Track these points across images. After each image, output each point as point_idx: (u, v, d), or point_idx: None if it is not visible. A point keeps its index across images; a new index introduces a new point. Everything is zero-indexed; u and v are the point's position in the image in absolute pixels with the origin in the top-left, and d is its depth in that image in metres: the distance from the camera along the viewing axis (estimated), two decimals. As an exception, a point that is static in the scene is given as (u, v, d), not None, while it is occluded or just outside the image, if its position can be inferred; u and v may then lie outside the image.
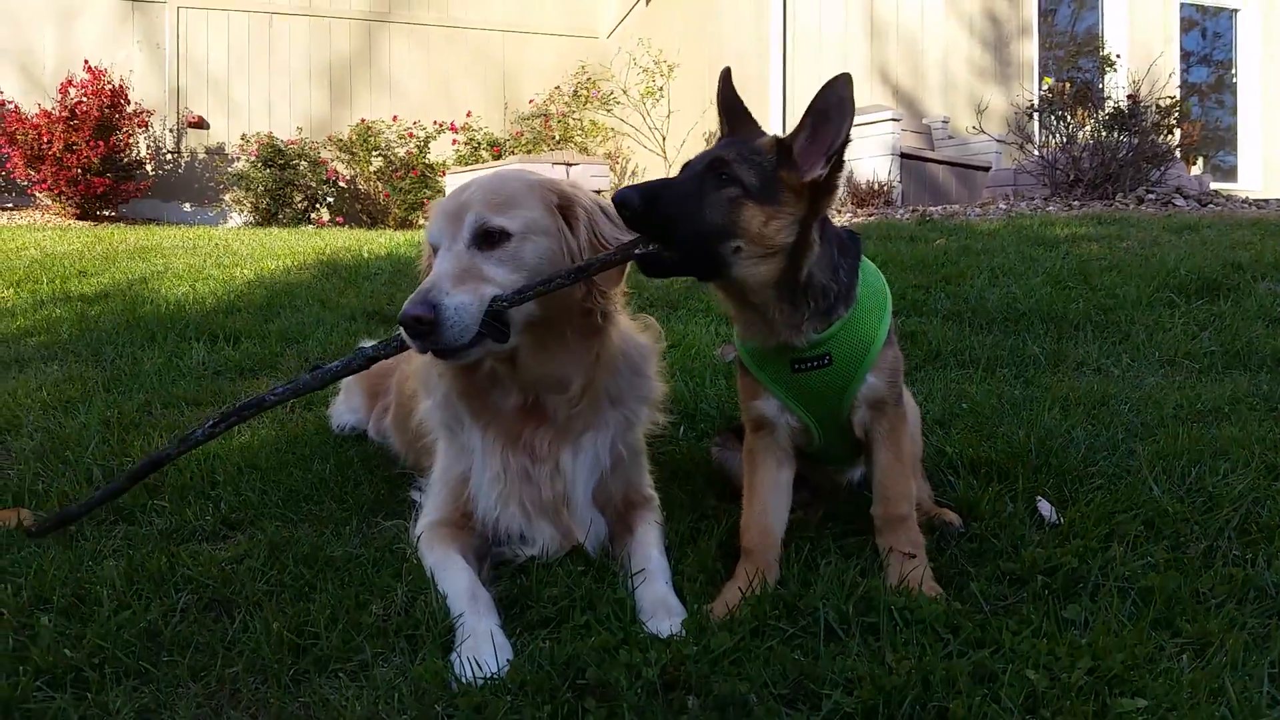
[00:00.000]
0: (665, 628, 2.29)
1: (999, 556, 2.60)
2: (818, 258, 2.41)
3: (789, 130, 2.37)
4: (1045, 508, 2.83)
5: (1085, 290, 5.92)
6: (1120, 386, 4.07)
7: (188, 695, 2.13)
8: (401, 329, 2.38)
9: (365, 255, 8.84)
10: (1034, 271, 6.55)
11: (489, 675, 2.11)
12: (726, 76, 2.52)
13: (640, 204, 2.22)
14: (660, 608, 2.39)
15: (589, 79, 16.99)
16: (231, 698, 2.12)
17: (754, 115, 2.53)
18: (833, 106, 2.24)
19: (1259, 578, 2.40)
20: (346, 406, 3.78)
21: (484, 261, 2.44)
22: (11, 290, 7.15)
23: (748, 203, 2.28)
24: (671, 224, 2.25)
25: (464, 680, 2.10)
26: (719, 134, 2.55)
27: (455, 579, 2.48)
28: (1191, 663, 2.08)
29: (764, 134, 2.46)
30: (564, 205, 2.55)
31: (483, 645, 2.19)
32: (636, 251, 2.33)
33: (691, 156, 2.45)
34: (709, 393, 4.17)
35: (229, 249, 9.63)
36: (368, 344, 2.63)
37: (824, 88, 2.23)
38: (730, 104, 2.51)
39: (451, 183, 12.94)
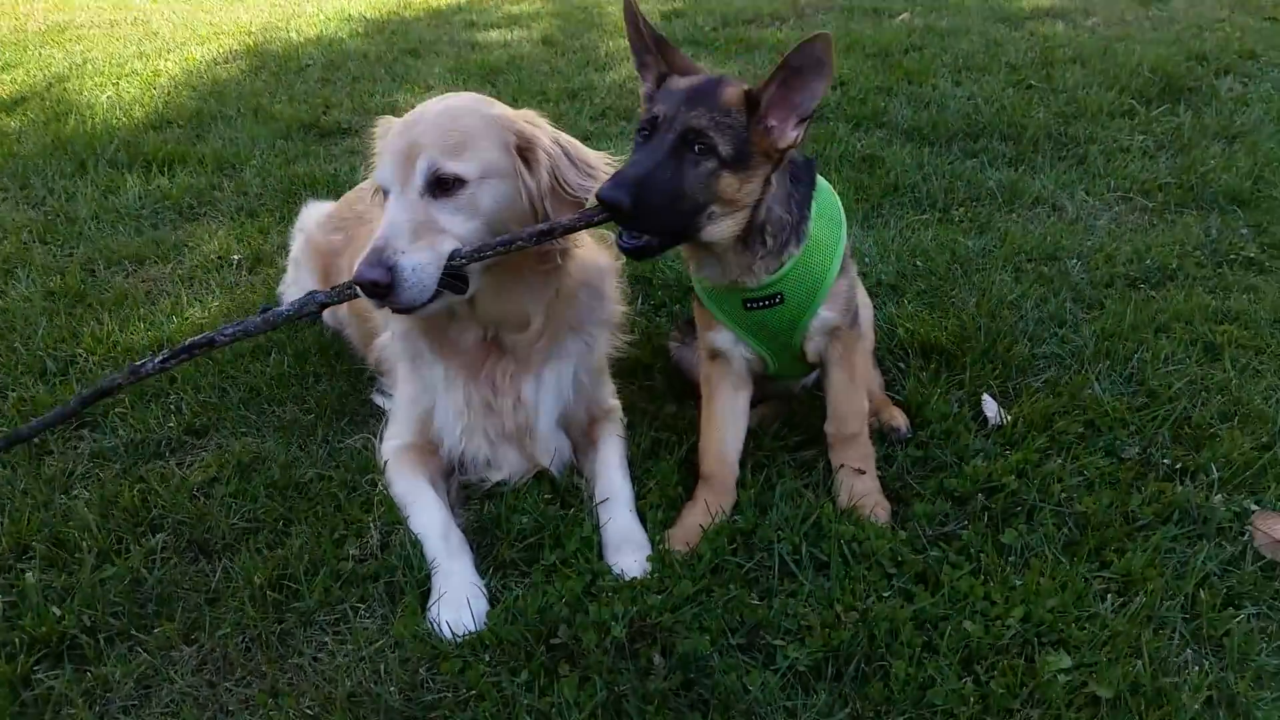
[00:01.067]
0: (631, 565, 2.42)
1: (943, 470, 2.73)
2: (774, 195, 2.37)
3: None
4: (991, 408, 2.94)
5: (1047, 92, 5.79)
6: (1073, 233, 4.09)
7: (182, 662, 2.25)
8: (357, 288, 2.32)
9: (294, 39, 8.29)
10: (997, 64, 6.37)
11: (467, 633, 2.24)
12: (630, 4, 2.35)
13: (630, 204, 2.13)
14: (625, 541, 2.51)
15: None
16: (225, 665, 2.24)
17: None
18: (809, 66, 2.11)
19: (1184, 498, 2.55)
20: (297, 288, 3.69)
21: (439, 210, 2.35)
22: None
23: (724, 173, 2.21)
24: (658, 215, 2.19)
25: (445, 639, 2.23)
26: (641, 62, 2.39)
27: (428, 515, 2.56)
28: (1115, 604, 2.26)
29: (712, 74, 2.33)
30: (523, 146, 2.43)
31: (460, 602, 2.30)
32: (622, 244, 2.26)
33: (650, 103, 2.32)
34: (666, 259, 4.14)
35: (149, 30, 8.97)
36: (320, 292, 2.56)
37: (803, 44, 2.08)
38: (651, 34, 2.35)
39: None
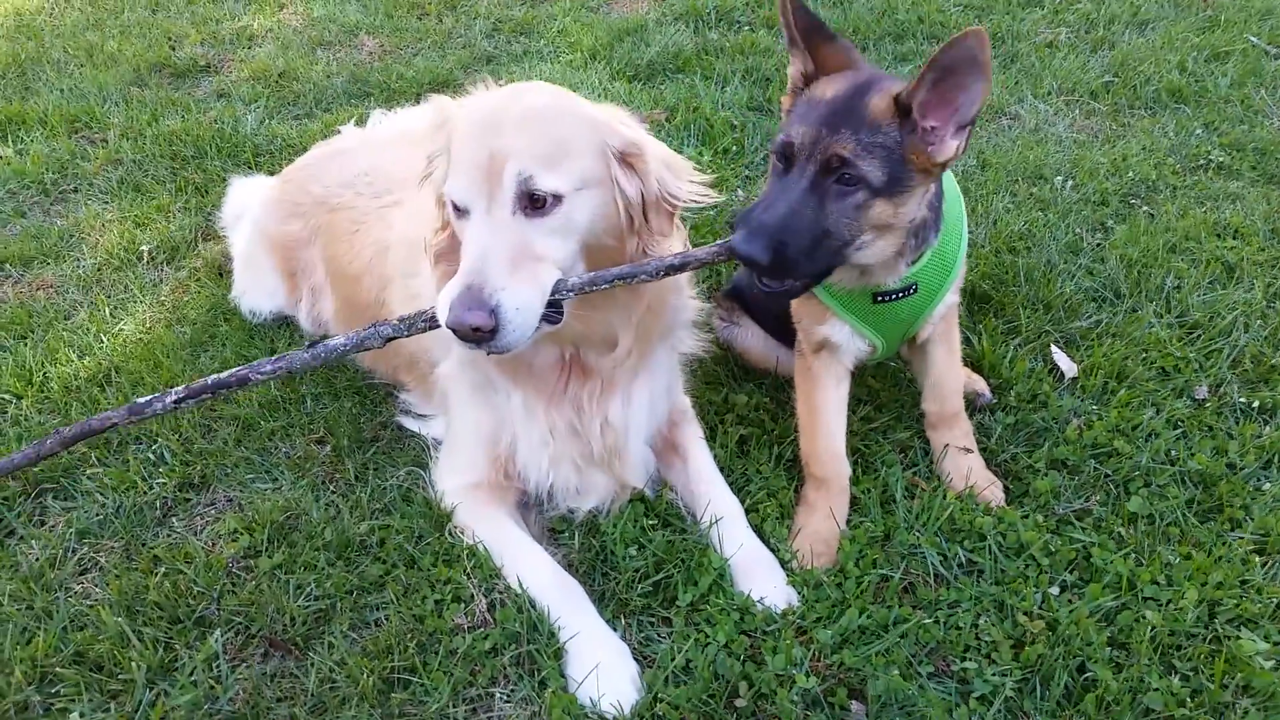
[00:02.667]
0: (773, 594, 2.23)
1: (1040, 436, 2.64)
2: (926, 199, 2.14)
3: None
4: (1062, 360, 2.87)
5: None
6: (1042, 145, 4.03)
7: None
8: (449, 332, 1.95)
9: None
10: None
11: (629, 708, 2.01)
12: None
13: (768, 261, 1.87)
14: (756, 565, 2.31)
15: None
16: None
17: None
18: (964, 65, 1.83)
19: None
20: (259, 289, 3.17)
21: (534, 232, 1.98)
22: None
23: (876, 202, 1.95)
24: (801, 262, 1.93)
25: (606, 716, 1.99)
26: (791, 34, 2.08)
27: (532, 564, 2.27)
28: (1265, 568, 2.25)
29: (864, 68, 2.04)
30: (629, 153, 2.07)
31: (614, 671, 2.05)
32: (763, 286, 1.97)
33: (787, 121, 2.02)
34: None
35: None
36: (386, 324, 2.14)
37: (955, 41, 1.79)
38: (802, 21, 2.04)
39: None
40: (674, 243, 2.23)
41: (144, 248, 3.62)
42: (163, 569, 2.34)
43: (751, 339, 2.88)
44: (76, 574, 2.38)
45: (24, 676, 2.09)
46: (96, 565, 2.41)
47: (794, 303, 2.43)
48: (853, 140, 1.90)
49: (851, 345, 2.40)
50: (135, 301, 3.34)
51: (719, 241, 2.12)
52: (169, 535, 2.47)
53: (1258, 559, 2.28)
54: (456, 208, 2.03)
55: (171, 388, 2.30)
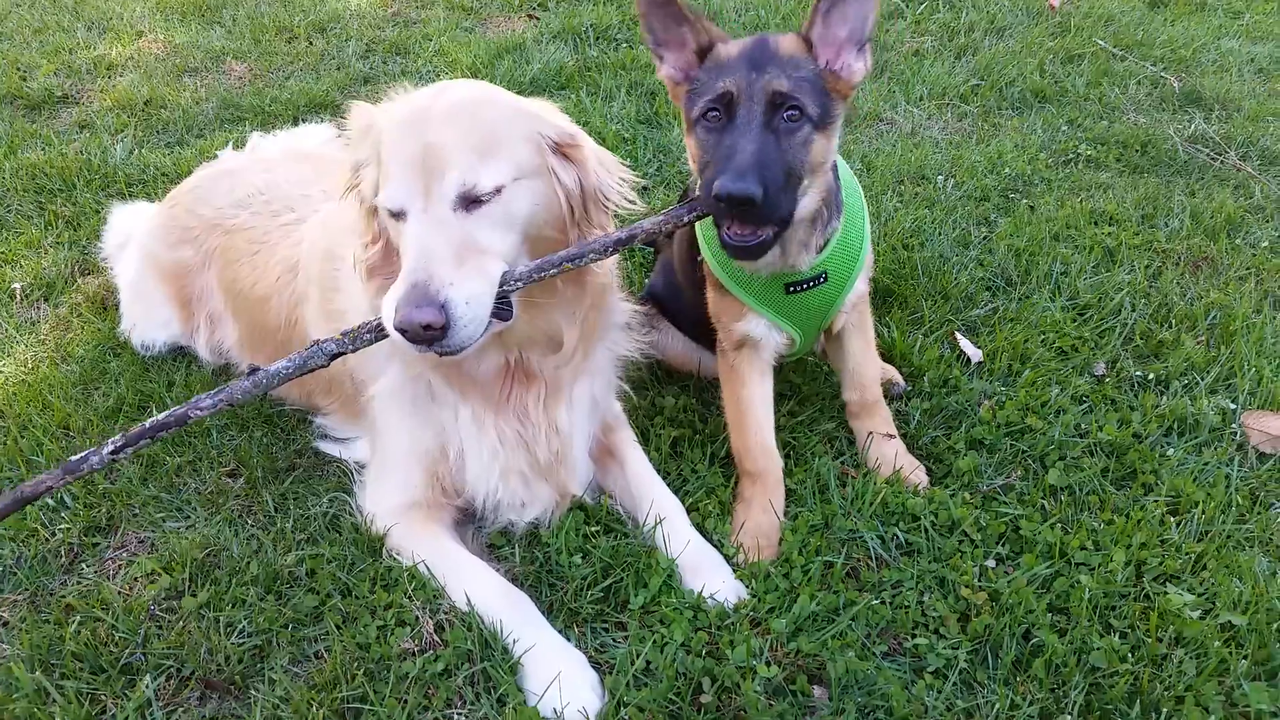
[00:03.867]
0: (723, 589, 2.23)
1: (957, 418, 2.73)
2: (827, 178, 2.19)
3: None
4: (968, 347, 2.98)
5: None
6: (922, 148, 4.19)
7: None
8: (396, 333, 1.88)
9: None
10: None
11: (594, 714, 1.97)
12: None
13: (762, 193, 1.84)
14: (702, 562, 2.30)
15: None
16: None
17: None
18: None
19: (1178, 409, 2.72)
20: (150, 320, 2.98)
21: (475, 226, 1.93)
22: None
23: (816, 136, 1.99)
24: (780, 200, 1.93)
25: (571, 727, 1.95)
26: (661, 39, 2.11)
27: (478, 580, 2.21)
28: (1180, 526, 2.38)
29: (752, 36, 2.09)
30: (564, 145, 2.04)
31: (572, 681, 2.00)
32: (732, 241, 1.96)
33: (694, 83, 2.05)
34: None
35: None
36: (326, 338, 2.04)
37: None
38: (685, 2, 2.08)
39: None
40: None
41: (15, 285, 3.39)
42: (77, 618, 2.18)
43: (672, 342, 2.89)
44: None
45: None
46: (0, 621, 2.23)
47: (711, 302, 2.45)
48: (783, 77, 1.95)
49: (770, 339, 2.43)
50: (13, 342, 3.12)
51: (667, 209, 2.12)
52: (79, 582, 2.31)
53: (1172, 519, 2.40)
54: (392, 212, 1.97)
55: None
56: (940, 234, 3.54)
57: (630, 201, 2.20)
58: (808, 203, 2.10)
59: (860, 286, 2.46)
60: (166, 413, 2.02)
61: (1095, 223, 3.61)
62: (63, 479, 2.05)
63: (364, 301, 2.18)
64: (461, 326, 1.86)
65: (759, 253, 2.00)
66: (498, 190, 1.95)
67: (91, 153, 4.26)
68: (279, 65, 5.27)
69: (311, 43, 5.54)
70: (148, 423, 2.01)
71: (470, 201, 1.93)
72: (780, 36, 2.04)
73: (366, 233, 2.13)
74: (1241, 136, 4.26)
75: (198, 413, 2.03)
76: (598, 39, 5.40)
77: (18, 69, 5.20)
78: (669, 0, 2.06)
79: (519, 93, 4.68)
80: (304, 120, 4.50)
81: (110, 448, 2.01)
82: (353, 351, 2.04)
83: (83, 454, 2.02)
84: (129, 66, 5.30)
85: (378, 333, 2.01)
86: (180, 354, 3.06)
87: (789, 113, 1.95)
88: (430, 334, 1.84)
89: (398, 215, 1.96)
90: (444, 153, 1.91)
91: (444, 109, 1.97)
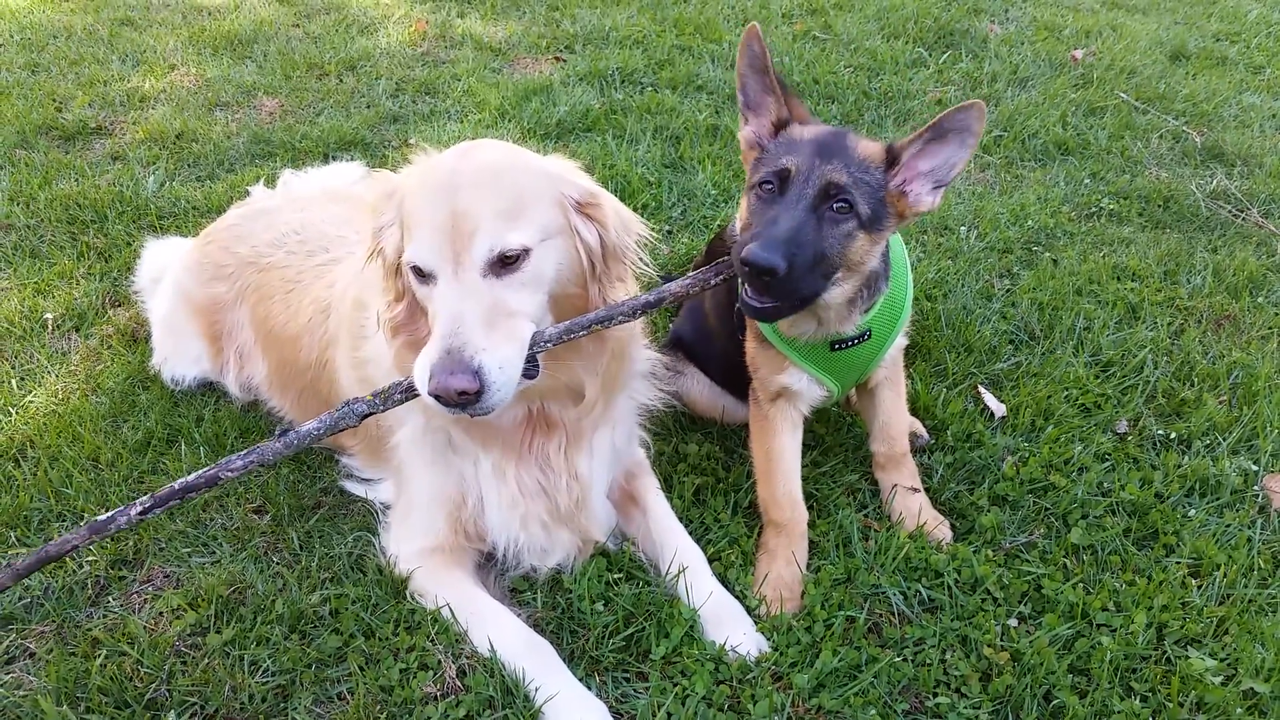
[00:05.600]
0: (745, 642, 2.23)
1: (980, 473, 2.74)
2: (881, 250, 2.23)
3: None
4: (991, 401, 2.99)
5: (837, 45, 5.94)
6: (946, 197, 4.19)
7: None
8: (430, 398, 1.90)
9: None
10: (771, 14, 6.47)
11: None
12: (756, 37, 2.10)
13: (785, 268, 1.89)
14: (724, 614, 2.31)
15: None
16: None
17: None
18: (957, 131, 1.96)
19: (1200, 469, 2.72)
20: (180, 354, 3.03)
21: (504, 289, 1.97)
22: None
23: (860, 235, 2.03)
24: (803, 280, 1.97)
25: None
26: (752, 101, 2.16)
27: (500, 627, 2.22)
28: (1203, 589, 2.37)
29: (834, 128, 2.12)
30: (586, 204, 2.08)
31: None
32: (750, 303, 2.00)
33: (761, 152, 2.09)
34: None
35: None
36: (360, 401, 2.07)
37: (956, 110, 1.94)
38: (776, 74, 2.12)
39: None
40: (631, 287, 2.25)
41: (47, 316, 3.44)
42: (103, 652, 2.20)
43: (698, 388, 2.91)
44: (2, 664, 2.22)
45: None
46: (26, 652, 2.25)
47: (750, 353, 2.48)
48: (845, 171, 1.99)
49: (810, 392, 2.45)
50: (43, 372, 3.16)
51: (694, 272, 2.16)
52: (106, 616, 2.33)
53: (1194, 582, 2.40)
54: (420, 272, 2.00)
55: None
56: (963, 285, 3.56)
57: (644, 263, 2.23)
58: (841, 292, 2.14)
59: (900, 340, 2.48)
60: (197, 474, 2.07)
61: (1118, 278, 3.63)
62: (89, 538, 2.10)
63: (387, 355, 2.22)
64: (495, 391, 1.89)
65: (772, 317, 2.06)
66: (526, 253, 1.98)
67: (124, 185, 4.33)
68: (309, 102, 5.35)
69: (342, 80, 5.62)
70: (177, 484, 2.06)
71: (499, 265, 1.96)
72: (862, 139, 2.08)
73: (389, 291, 2.16)
74: (1264, 193, 4.28)
75: (229, 474, 2.07)
76: (623, 82, 5.47)
77: (54, 100, 5.29)
78: (765, 69, 2.12)
79: (546, 135, 4.82)
80: (334, 158, 4.57)
81: (139, 509, 2.07)
82: (383, 411, 2.06)
83: (110, 514, 2.07)
84: (161, 99, 5.38)
85: (408, 393, 2.04)
86: (210, 389, 3.10)
87: (839, 204, 2.00)
88: (464, 399, 1.87)
89: (426, 277, 1.99)
90: (473, 218, 1.93)
91: (471, 173, 1.99)
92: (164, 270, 3.24)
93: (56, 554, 2.06)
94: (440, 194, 1.97)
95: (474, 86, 5.43)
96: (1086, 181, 4.37)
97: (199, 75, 5.70)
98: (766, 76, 2.11)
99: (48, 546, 2.05)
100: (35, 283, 3.63)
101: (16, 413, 2.96)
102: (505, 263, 1.96)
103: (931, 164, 2.03)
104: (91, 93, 5.40)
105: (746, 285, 2.01)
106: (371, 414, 2.05)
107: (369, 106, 5.29)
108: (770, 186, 2.04)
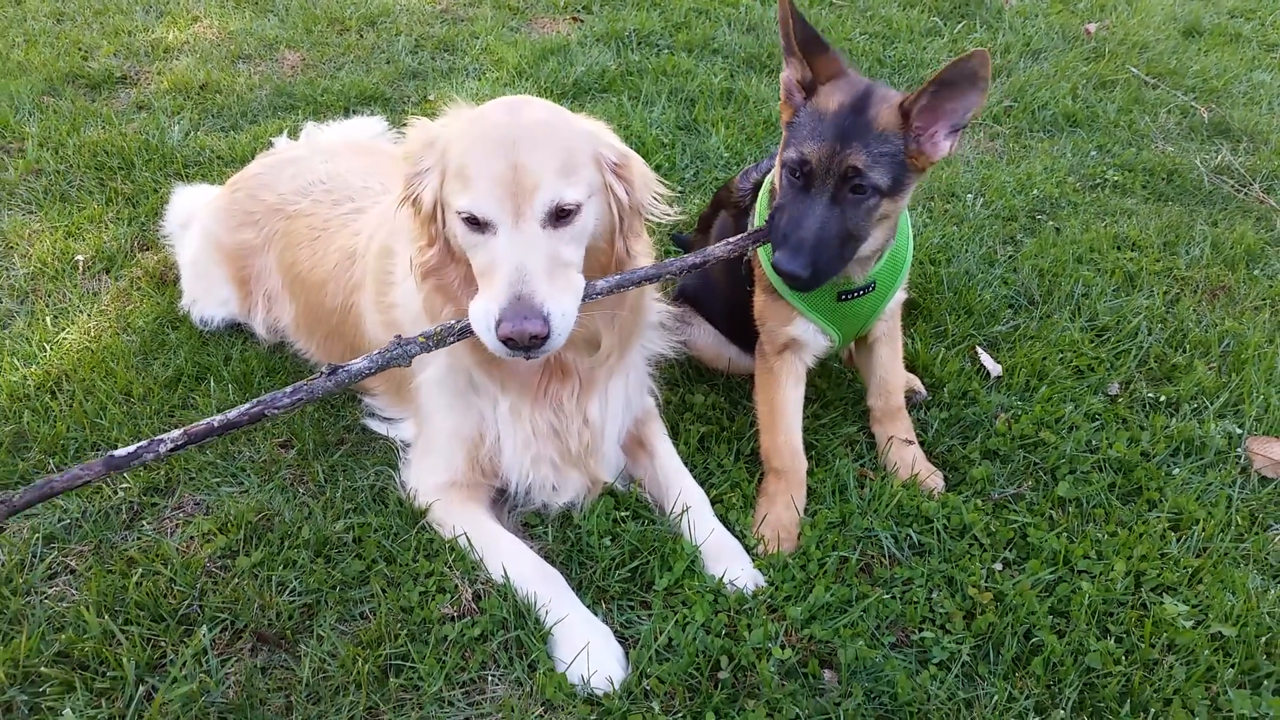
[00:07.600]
0: (742, 576, 2.37)
1: (973, 429, 2.86)
2: None
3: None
4: (988, 361, 3.10)
5: (855, 13, 5.99)
6: (953, 165, 4.32)
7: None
8: (497, 341, 2.01)
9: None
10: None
11: (619, 683, 2.11)
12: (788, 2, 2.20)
13: (810, 275, 2.12)
14: (723, 551, 2.44)
15: None
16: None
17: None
18: (964, 78, 2.05)
19: (1187, 430, 2.84)
20: (209, 298, 3.15)
21: (559, 241, 2.08)
22: None
23: (883, 202, 2.17)
24: (830, 271, 2.19)
25: (597, 692, 2.10)
26: (790, 44, 2.25)
27: (514, 555, 2.36)
28: (1180, 541, 2.50)
29: (854, 76, 2.22)
30: (620, 165, 2.20)
31: (600, 651, 2.15)
32: (782, 268, 2.15)
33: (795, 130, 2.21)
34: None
35: None
36: (412, 335, 2.15)
37: (958, 60, 2.03)
38: (801, 33, 2.21)
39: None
40: (646, 239, 2.38)
41: (79, 257, 3.56)
42: (139, 570, 2.34)
43: (704, 339, 3.03)
44: (46, 578, 2.36)
45: (6, 677, 2.08)
46: (67, 569, 2.39)
47: (759, 305, 2.59)
48: (864, 152, 2.11)
49: (815, 342, 2.58)
50: (76, 311, 3.29)
51: (735, 238, 2.34)
52: (140, 538, 2.47)
53: (1173, 534, 2.53)
54: (476, 221, 2.07)
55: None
56: (967, 251, 3.66)
57: (661, 215, 2.36)
58: (876, 239, 2.31)
59: (899, 294, 2.60)
60: (239, 410, 2.01)
61: (1118, 247, 3.73)
62: (103, 473, 1.94)
63: (414, 300, 2.33)
64: (558, 335, 2.02)
65: (806, 287, 2.19)
66: (578, 207, 2.09)
67: (150, 133, 4.43)
68: (331, 56, 5.44)
69: (362, 35, 5.70)
70: (215, 420, 1.99)
71: (555, 219, 2.07)
72: (883, 105, 2.15)
73: (422, 236, 2.26)
74: (1267, 170, 4.36)
75: (274, 411, 2.05)
76: (640, 44, 5.54)
77: (79, 49, 5.38)
78: (786, 33, 2.21)
79: (563, 94, 4.91)
80: (355, 112, 4.66)
81: (169, 445, 1.96)
82: (434, 350, 2.16)
83: (129, 449, 1.94)
84: (185, 50, 5.47)
85: (460, 334, 2.14)
86: (237, 330, 3.23)
87: (859, 185, 2.14)
88: (534, 342, 1.99)
89: (482, 226, 2.08)
90: (534, 173, 2.03)
91: (528, 130, 2.09)
92: (192, 216, 3.35)
93: (62, 487, 1.89)
94: (499, 147, 2.06)
95: (492, 45, 5.51)
96: (1093, 153, 4.46)
97: (222, 28, 5.78)
98: (789, 39, 2.21)
99: (52, 479, 1.91)
100: (66, 225, 3.75)
101: (51, 348, 3.09)
102: (560, 216, 2.07)
103: (946, 108, 2.12)
104: (116, 43, 5.50)
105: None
106: (424, 352, 2.15)
107: (389, 62, 5.37)
108: (796, 175, 2.18)
